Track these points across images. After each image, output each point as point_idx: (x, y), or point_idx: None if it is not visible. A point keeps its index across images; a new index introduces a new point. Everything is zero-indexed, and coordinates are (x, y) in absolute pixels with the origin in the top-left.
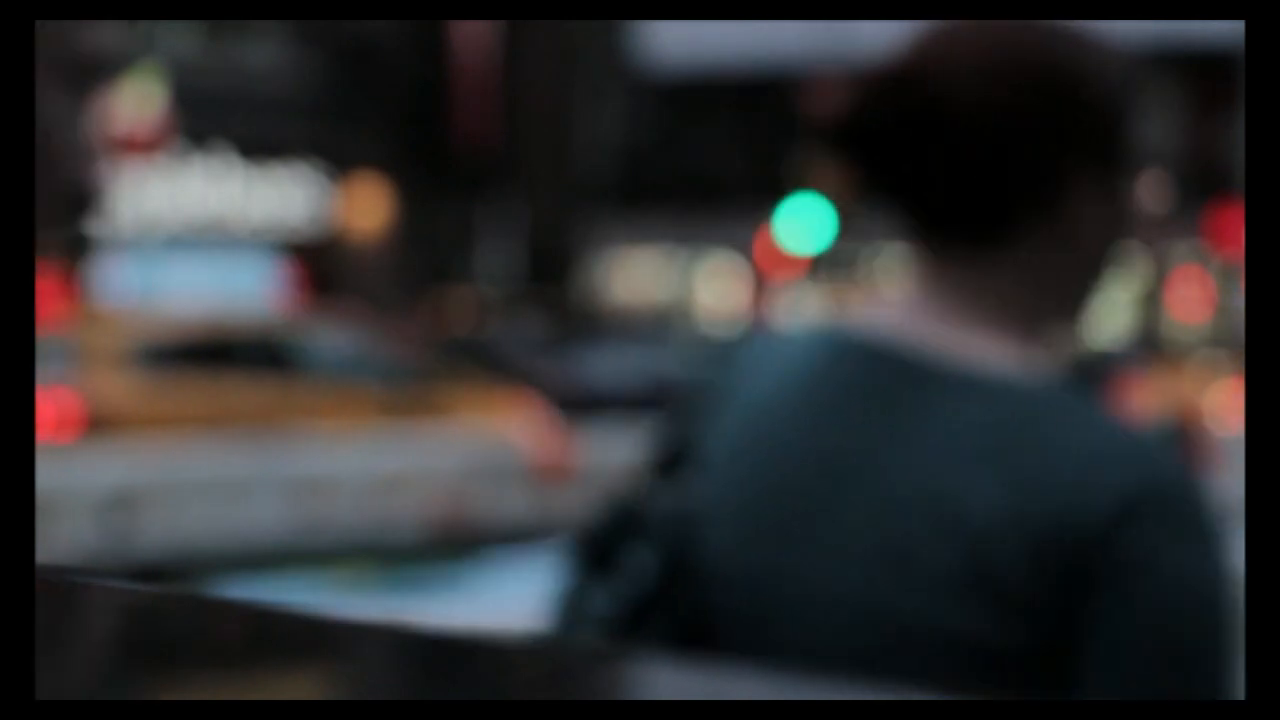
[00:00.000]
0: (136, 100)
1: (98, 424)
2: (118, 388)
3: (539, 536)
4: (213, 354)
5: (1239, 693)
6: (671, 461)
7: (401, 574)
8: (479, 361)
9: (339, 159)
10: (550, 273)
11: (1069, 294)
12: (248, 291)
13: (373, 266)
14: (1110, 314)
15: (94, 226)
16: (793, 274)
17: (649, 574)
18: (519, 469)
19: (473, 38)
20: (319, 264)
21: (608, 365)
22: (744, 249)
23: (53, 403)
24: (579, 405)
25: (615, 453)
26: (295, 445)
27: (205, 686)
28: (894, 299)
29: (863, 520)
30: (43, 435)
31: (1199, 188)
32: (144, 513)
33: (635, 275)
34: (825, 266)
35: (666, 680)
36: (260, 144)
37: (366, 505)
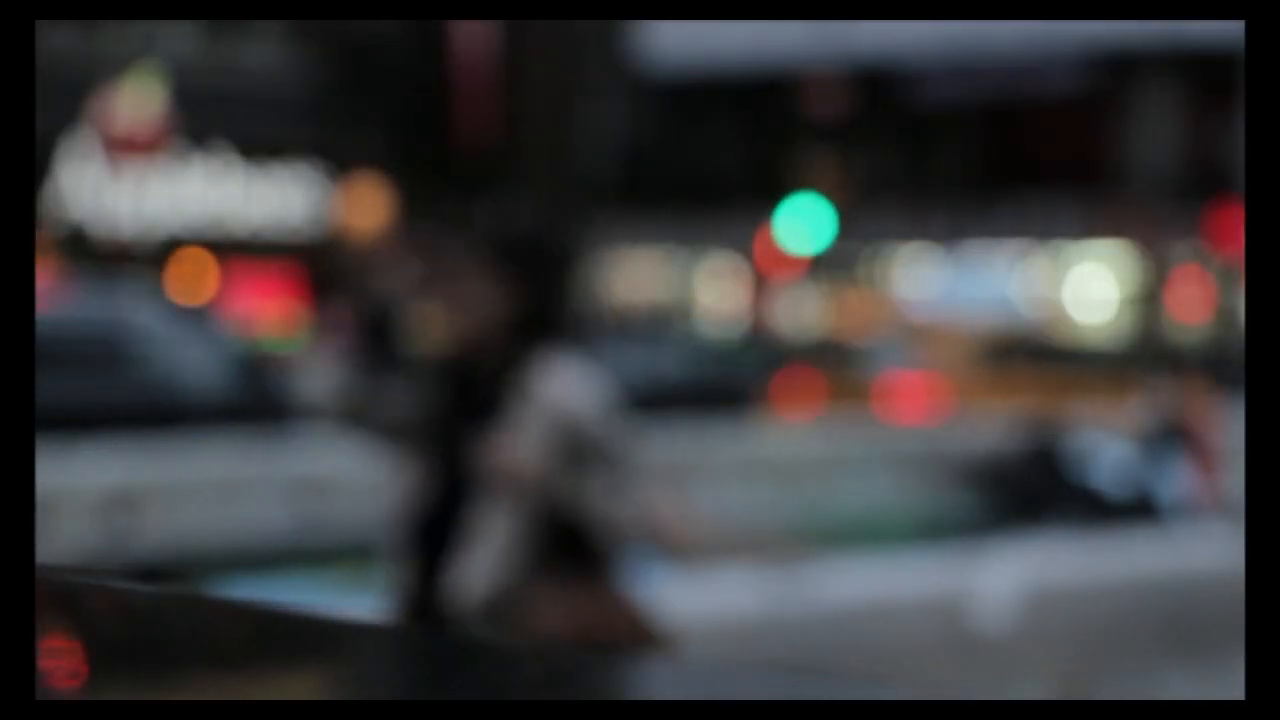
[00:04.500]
0: (136, 100)
1: (960, 404)
2: (970, 378)
3: None
4: (1010, 350)
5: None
6: None
7: None
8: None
9: (339, 159)
10: None
11: None
12: (1003, 298)
13: (373, 266)
14: (1110, 314)
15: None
16: (793, 274)
17: None
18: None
19: (473, 38)
20: (319, 264)
21: (608, 365)
22: (744, 249)
23: (929, 387)
24: None
25: None
26: (295, 445)
27: (205, 686)
28: None
29: None
30: (921, 415)
31: (1199, 188)
32: (144, 512)
33: (635, 275)
34: (825, 266)
35: (666, 680)
36: (260, 144)
37: (366, 505)
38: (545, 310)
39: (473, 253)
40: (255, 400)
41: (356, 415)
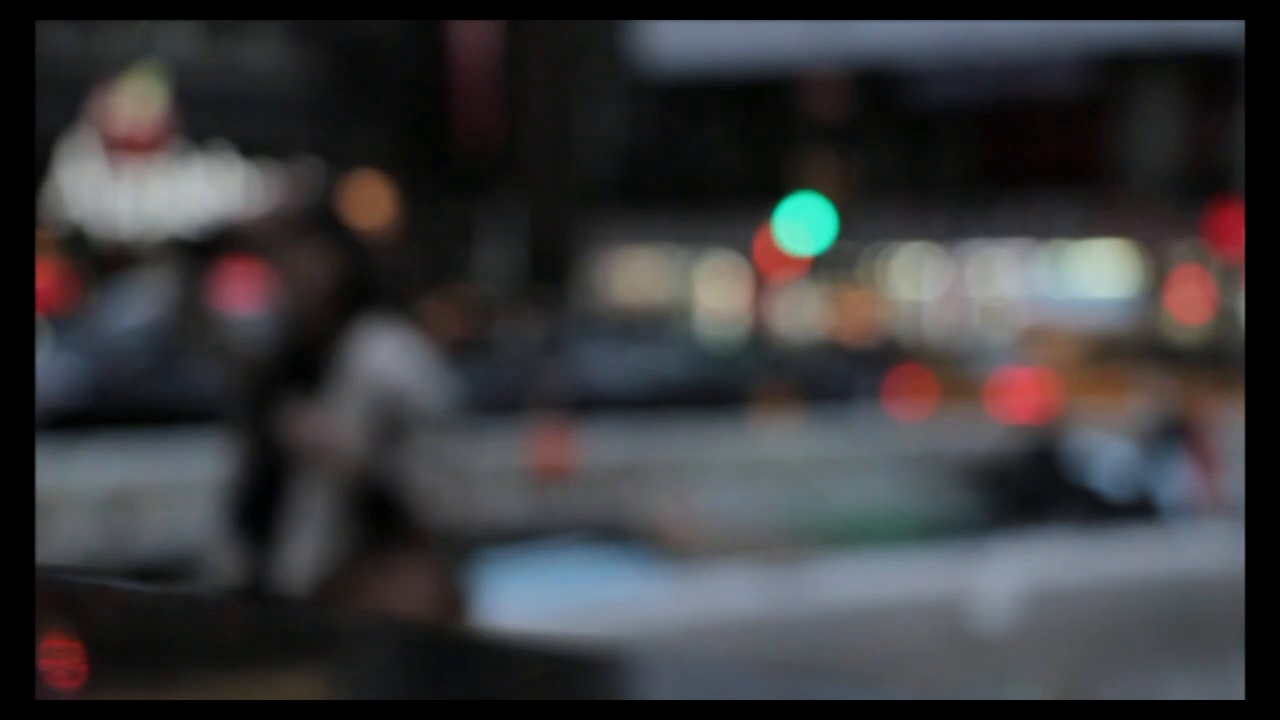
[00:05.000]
0: (136, 100)
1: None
2: (1076, 377)
3: (539, 536)
4: (1119, 349)
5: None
6: None
7: None
8: None
9: (339, 159)
10: (550, 273)
11: None
12: (1110, 298)
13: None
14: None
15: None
16: (793, 274)
17: None
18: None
19: (473, 38)
20: None
21: (608, 365)
22: (744, 249)
23: (1040, 385)
24: (579, 405)
25: (615, 453)
26: None
27: (205, 686)
28: None
29: None
30: (1031, 414)
31: (1199, 188)
32: (144, 513)
33: (635, 275)
34: (825, 266)
35: (666, 680)
36: (260, 144)
37: None
38: (364, 279)
39: (290, 223)
40: None
41: (182, 334)
